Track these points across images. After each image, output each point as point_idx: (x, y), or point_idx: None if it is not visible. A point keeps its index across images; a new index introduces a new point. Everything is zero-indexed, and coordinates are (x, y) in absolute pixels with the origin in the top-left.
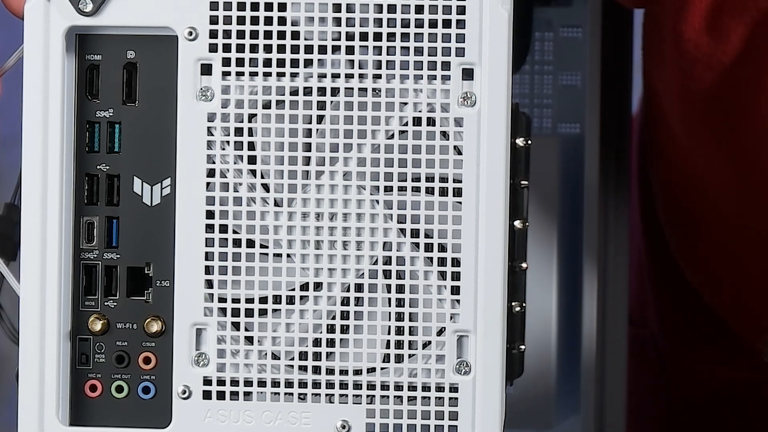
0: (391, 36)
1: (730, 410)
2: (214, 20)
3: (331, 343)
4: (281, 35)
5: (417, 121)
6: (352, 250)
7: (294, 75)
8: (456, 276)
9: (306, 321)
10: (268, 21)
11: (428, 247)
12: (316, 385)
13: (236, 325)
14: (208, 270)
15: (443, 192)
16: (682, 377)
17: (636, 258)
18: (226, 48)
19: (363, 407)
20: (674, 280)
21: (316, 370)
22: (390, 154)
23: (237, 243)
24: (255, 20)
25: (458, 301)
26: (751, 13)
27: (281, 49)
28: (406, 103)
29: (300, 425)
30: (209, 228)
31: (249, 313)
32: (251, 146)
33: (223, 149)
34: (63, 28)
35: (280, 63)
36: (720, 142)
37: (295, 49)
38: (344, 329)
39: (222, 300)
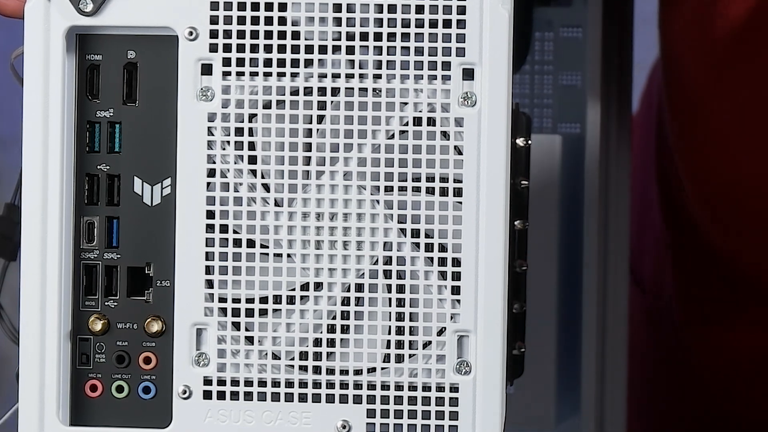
0: (391, 36)
1: (749, 378)
2: (214, 20)
3: (331, 343)
4: (281, 35)
5: (417, 121)
6: (353, 250)
7: (294, 75)
8: (456, 276)
9: (306, 321)
10: (269, 21)
11: (428, 247)
12: (317, 385)
13: (236, 325)
14: (209, 270)
15: (443, 192)
16: (698, 346)
17: (652, 227)
18: (227, 48)
19: (363, 407)
20: (693, 246)
21: (317, 370)
22: (390, 154)
23: (237, 243)
24: (255, 20)
25: (458, 301)
26: None
27: (281, 49)
28: (406, 103)
29: (300, 425)
30: (209, 228)
31: (249, 313)
32: (251, 146)
33: (224, 149)
34: (63, 28)
35: (281, 63)
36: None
37: (295, 49)
38: (344, 329)
39: (222, 300)
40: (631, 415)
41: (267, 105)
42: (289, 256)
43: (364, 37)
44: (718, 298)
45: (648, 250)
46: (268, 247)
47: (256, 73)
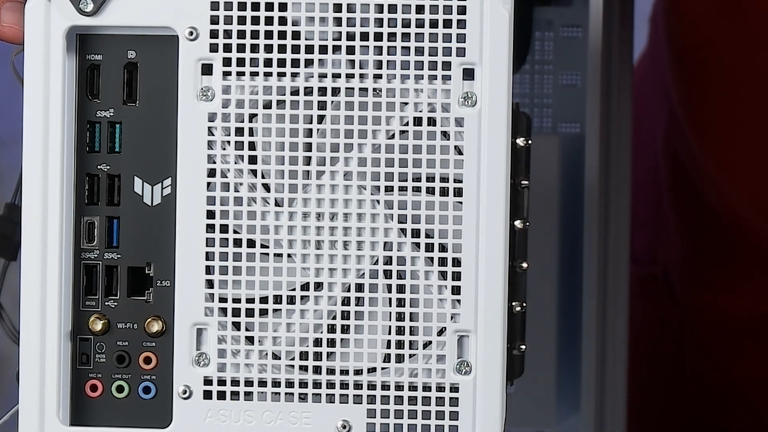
0: (391, 36)
1: (746, 343)
2: (214, 20)
3: (331, 343)
4: (282, 35)
5: (418, 121)
6: (353, 250)
7: (294, 75)
8: (456, 276)
9: (306, 321)
10: (269, 21)
11: (429, 247)
12: (317, 385)
13: (237, 325)
14: (209, 270)
15: (444, 192)
16: (695, 311)
17: (649, 199)
18: (227, 48)
19: (363, 407)
20: (696, 208)
21: (317, 370)
22: (391, 154)
23: (237, 243)
24: (256, 20)
25: (459, 301)
26: None
27: (282, 49)
28: (406, 103)
29: (300, 425)
30: (210, 228)
31: (249, 313)
32: (252, 146)
33: (224, 149)
34: (63, 28)
35: (281, 63)
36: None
37: (295, 49)
38: (345, 329)
39: (222, 300)
40: (629, 389)
41: (267, 105)
42: (289, 256)
43: (364, 37)
44: (721, 263)
45: (640, 219)
46: (268, 247)
47: (257, 73)
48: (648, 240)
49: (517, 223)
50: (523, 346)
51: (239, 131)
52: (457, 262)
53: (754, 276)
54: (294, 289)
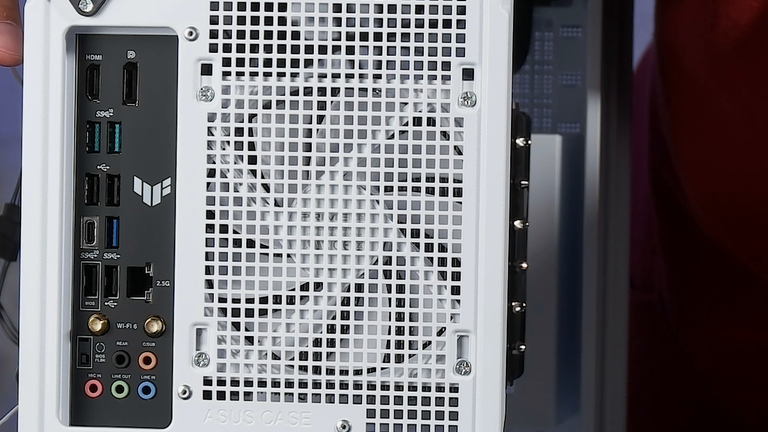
0: (391, 36)
1: (741, 372)
2: (214, 20)
3: (331, 343)
4: (281, 35)
5: (417, 121)
6: (353, 250)
7: (294, 75)
8: (456, 276)
9: (306, 321)
10: (269, 21)
11: (428, 247)
12: (317, 385)
13: (236, 325)
14: (209, 270)
15: (443, 192)
16: (691, 340)
17: (643, 223)
18: (227, 48)
19: (363, 407)
20: (686, 239)
21: (317, 370)
22: (390, 154)
23: (237, 243)
24: (255, 20)
25: (458, 301)
26: None
27: (281, 49)
28: (406, 103)
29: (300, 425)
30: (209, 228)
31: (249, 313)
32: (251, 146)
33: (224, 149)
34: (63, 28)
35: (281, 63)
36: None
37: (295, 49)
38: (344, 329)
39: (222, 300)
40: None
41: (267, 105)
42: (289, 256)
43: (364, 37)
44: (711, 293)
45: (636, 244)
46: (268, 247)
47: (256, 73)
48: (643, 265)
49: (517, 223)
50: (523, 346)
51: (239, 131)
52: (456, 262)
53: (750, 309)
54: (294, 289)
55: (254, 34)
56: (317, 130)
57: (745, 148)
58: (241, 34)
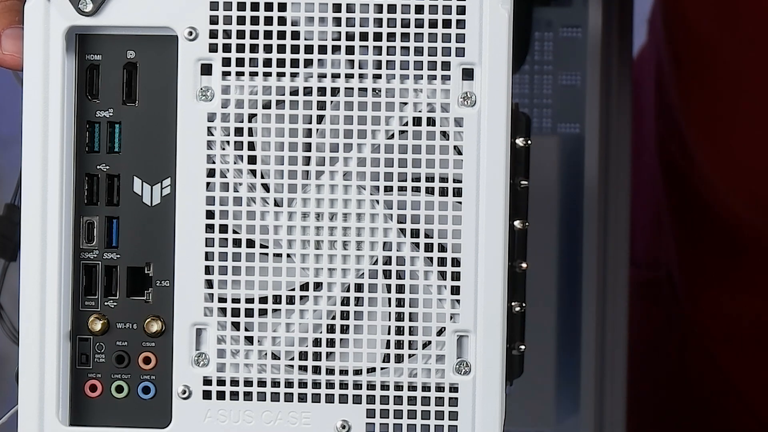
0: (391, 36)
1: (749, 347)
2: (214, 20)
3: (331, 343)
4: (281, 35)
5: (417, 121)
6: (352, 250)
7: (294, 75)
8: (456, 276)
9: (306, 321)
10: (268, 21)
11: (428, 247)
12: (316, 385)
13: (236, 325)
14: (208, 270)
15: (443, 192)
16: (700, 309)
17: (648, 204)
18: (226, 48)
19: (363, 407)
20: (695, 211)
21: (316, 370)
22: (390, 154)
23: (237, 243)
24: (255, 20)
25: (458, 301)
26: None
27: (281, 49)
28: (406, 103)
29: (300, 425)
30: (209, 228)
31: (249, 313)
32: (251, 146)
33: (223, 149)
34: (63, 28)
35: (280, 63)
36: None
37: (295, 49)
38: (344, 329)
39: (222, 300)
40: (630, 390)
41: (267, 105)
42: (288, 256)
43: (363, 37)
44: (721, 264)
45: (642, 225)
46: (267, 247)
47: (256, 73)
48: (650, 243)
49: (517, 223)
50: (523, 346)
51: (239, 131)
52: (456, 262)
53: (758, 277)
54: (293, 289)
55: (254, 34)
56: (317, 130)
57: (756, 98)
58: (240, 34)
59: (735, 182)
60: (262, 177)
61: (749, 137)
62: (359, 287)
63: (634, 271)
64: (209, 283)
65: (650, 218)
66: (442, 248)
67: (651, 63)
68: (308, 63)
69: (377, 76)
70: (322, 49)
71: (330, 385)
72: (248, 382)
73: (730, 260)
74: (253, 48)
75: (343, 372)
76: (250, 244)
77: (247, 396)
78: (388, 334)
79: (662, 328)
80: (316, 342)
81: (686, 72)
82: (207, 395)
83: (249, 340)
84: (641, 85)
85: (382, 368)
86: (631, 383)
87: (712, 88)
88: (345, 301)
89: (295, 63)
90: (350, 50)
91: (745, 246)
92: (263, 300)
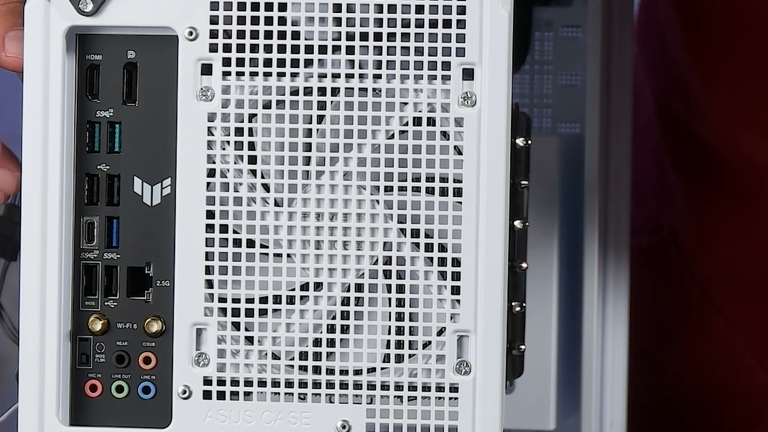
0: (391, 36)
1: (757, 298)
2: (214, 20)
3: (331, 343)
4: (281, 35)
5: (417, 121)
6: (353, 250)
7: (294, 75)
8: (456, 276)
9: (306, 321)
10: (269, 21)
11: (428, 247)
12: (317, 385)
13: (236, 325)
14: (209, 270)
15: (443, 192)
16: (704, 264)
17: (649, 175)
18: (227, 48)
19: (363, 407)
20: (698, 158)
21: (317, 370)
22: (390, 154)
23: (237, 243)
24: (255, 20)
25: (458, 301)
26: None
27: (281, 49)
28: (406, 103)
29: (300, 425)
30: (209, 228)
31: (249, 313)
32: (251, 146)
33: (224, 149)
34: (63, 28)
35: (281, 63)
36: None
37: (295, 49)
38: (344, 329)
39: (222, 300)
40: (632, 353)
41: (267, 105)
42: (289, 256)
43: (364, 37)
44: (732, 208)
45: (640, 191)
46: (268, 247)
47: (256, 73)
48: (650, 211)
49: (517, 223)
50: (523, 346)
51: (239, 131)
52: (456, 262)
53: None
54: (294, 289)
55: (254, 34)
56: (317, 130)
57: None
58: (241, 34)
59: (741, 120)
60: (263, 177)
61: (755, 74)
62: (359, 287)
63: (635, 239)
64: (209, 283)
65: (652, 184)
66: (443, 248)
67: (652, 8)
68: (308, 63)
69: (377, 76)
70: (323, 49)
71: (330, 385)
72: (248, 382)
73: (740, 202)
74: (254, 48)
75: (344, 372)
76: (251, 244)
77: (248, 396)
78: (389, 334)
79: (668, 292)
80: (317, 342)
81: (688, 12)
82: (207, 395)
83: (249, 340)
84: (643, 32)
85: (382, 368)
86: (644, 339)
87: (716, 27)
88: (345, 301)
89: (295, 63)
90: (350, 50)
91: (755, 187)
92: (263, 300)
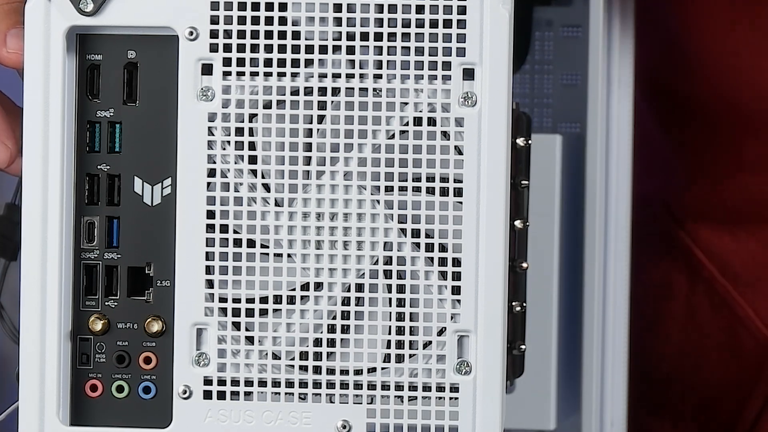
0: (391, 36)
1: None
2: (214, 20)
3: (331, 343)
4: (282, 35)
5: (418, 121)
6: (353, 250)
7: (294, 75)
8: (456, 276)
9: (306, 321)
10: (269, 21)
11: (429, 247)
12: (317, 385)
13: (237, 325)
14: (209, 270)
15: (444, 192)
16: (697, 232)
17: (641, 137)
18: (227, 48)
19: (363, 407)
20: (692, 126)
21: (317, 370)
22: (391, 154)
23: (238, 243)
24: (256, 20)
25: (459, 301)
26: None
27: (282, 49)
28: (406, 103)
29: (300, 425)
30: (210, 228)
31: (249, 313)
32: (252, 146)
33: (224, 149)
34: (63, 28)
35: (281, 63)
36: None
37: (295, 49)
38: (345, 329)
39: (222, 300)
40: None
41: (267, 105)
42: (289, 256)
43: (364, 37)
44: (728, 155)
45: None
46: (268, 247)
47: (257, 73)
48: (642, 187)
49: (517, 223)
50: (523, 346)
51: (239, 131)
52: (457, 262)
53: (763, 165)
54: (294, 289)
55: (254, 34)
56: (317, 129)
57: None
58: (241, 34)
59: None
60: (263, 177)
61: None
62: (360, 287)
63: (636, 211)
64: (210, 283)
65: (644, 163)
66: (443, 248)
67: None
68: (309, 63)
69: (378, 76)
70: (323, 49)
71: (330, 385)
72: (249, 382)
73: (736, 150)
74: (254, 48)
75: (344, 372)
76: (251, 244)
77: (248, 396)
78: (389, 334)
79: (662, 254)
80: (317, 342)
81: None
82: (207, 395)
83: (249, 340)
84: None
85: (382, 368)
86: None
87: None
88: (345, 301)
89: (295, 63)
90: (351, 50)
91: (751, 136)
92: (264, 300)
